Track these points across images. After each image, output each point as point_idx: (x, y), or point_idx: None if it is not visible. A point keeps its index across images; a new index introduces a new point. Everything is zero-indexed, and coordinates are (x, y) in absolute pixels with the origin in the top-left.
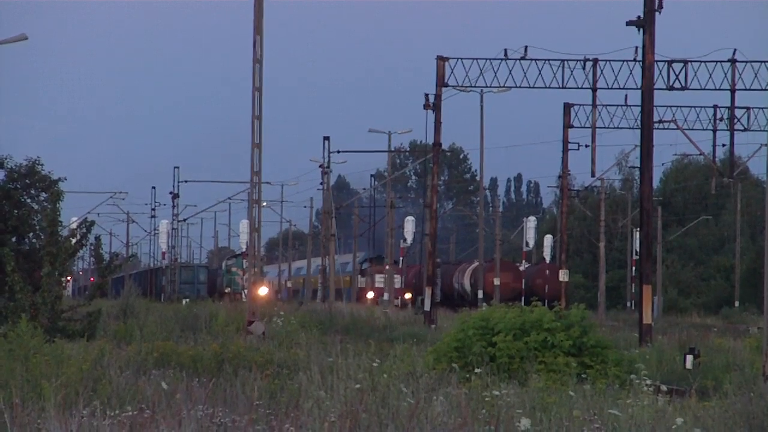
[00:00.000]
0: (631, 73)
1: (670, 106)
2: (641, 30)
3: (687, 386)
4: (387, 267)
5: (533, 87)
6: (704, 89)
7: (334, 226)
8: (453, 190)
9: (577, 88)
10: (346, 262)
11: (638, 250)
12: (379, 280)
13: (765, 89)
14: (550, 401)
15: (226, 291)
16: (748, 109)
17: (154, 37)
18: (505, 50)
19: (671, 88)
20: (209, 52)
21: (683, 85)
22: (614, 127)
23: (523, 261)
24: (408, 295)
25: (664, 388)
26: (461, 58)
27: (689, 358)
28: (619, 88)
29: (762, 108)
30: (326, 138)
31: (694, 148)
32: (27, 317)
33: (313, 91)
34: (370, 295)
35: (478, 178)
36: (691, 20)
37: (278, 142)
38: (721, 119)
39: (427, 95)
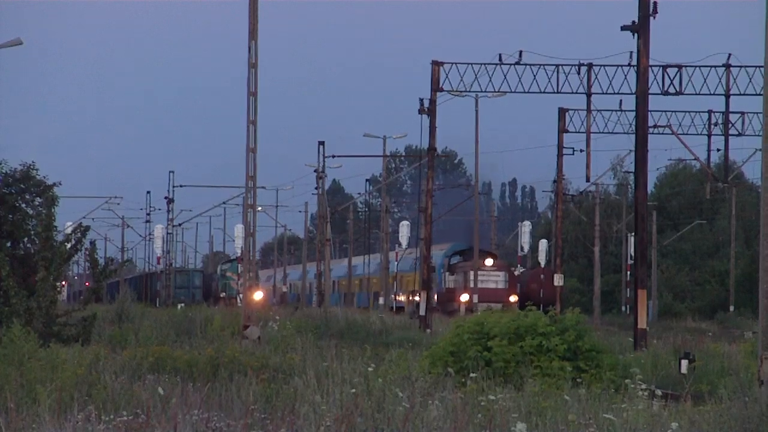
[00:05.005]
0: (625, 78)
1: (665, 111)
2: (636, 35)
3: (682, 391)
4: (490, 261)
5: (528, 92)
6: (699, 94)
7: (329, 230)
8: (448, 195)
9: (572, 92)
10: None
11: (633, 254)
12: (482, 278)
13: (760, 94)
14: (545, 405)
15: (222, 296)
16: (742, 113)
17: (150, 41)
18: (500, 55)
19: (666, 93)
20: (204, 56)
21: (678, 89)
22: (609, 132)
23: (518, 265)
24: (513, 298)
25: (659, 392)
26: (456, 63)
27: (684, 362)
28: (614, 93)
29: (757, 113)
30: (321, 143)
31: (689, 153)
32: (21, 322)
33: (308, 96)
34: (464, 297)
35: (473, 182)
36: (685, 25)
37: (273, 147)
38: (716, 124)
39: (422, 100)
